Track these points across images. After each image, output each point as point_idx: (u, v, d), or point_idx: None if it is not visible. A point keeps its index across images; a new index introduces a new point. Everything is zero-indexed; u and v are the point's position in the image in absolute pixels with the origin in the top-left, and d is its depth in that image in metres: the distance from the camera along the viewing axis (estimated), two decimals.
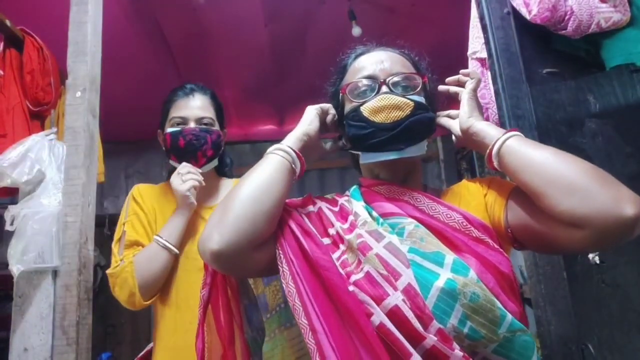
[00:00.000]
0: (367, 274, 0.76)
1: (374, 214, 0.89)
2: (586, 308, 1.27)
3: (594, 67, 1.52)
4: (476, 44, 1.86)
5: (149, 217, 1.46)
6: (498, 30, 1.56)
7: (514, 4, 1.54)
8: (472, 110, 0.92)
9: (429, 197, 0.89)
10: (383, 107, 0.88)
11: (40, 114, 2.06)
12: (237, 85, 3.71)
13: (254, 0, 2.79)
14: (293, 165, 0.89)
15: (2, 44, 1.98)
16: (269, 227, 0.82)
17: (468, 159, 4.47)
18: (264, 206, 0.80)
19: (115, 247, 1.42)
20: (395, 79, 0.92)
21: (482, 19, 1.63)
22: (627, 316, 1.31)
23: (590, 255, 1.36)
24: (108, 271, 1.38)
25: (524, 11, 1.50)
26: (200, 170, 1.44)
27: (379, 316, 0.71)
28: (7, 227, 1.70)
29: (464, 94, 0.95)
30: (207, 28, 2.98)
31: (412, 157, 0.92)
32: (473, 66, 1.91)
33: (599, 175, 0.72)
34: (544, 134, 1.45)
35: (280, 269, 0.82)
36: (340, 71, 1.04)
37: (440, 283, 0.72)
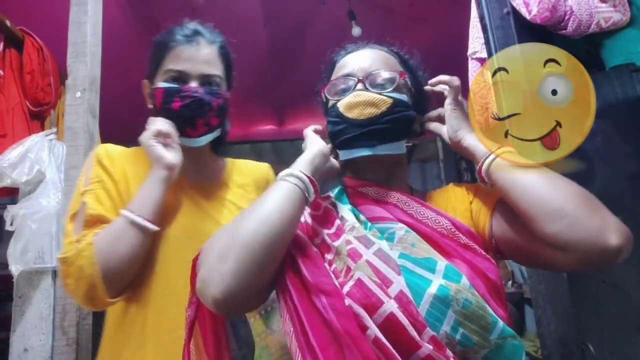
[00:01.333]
0: (359, 281, 0.73)
1: (362, 217, 0.86)
2: (586, 308, 1.27)
3: (594, 67, 1.52)
4: (476, 44, 1.86)
5: (120, 187, 1.08)
6: (498, 30, 1.56)
7: (514, 4, 1.54)
8: (458, 123, 0.90)
9: (417, 202, 0.88)
10: (357, 103, 0.87)
11: (40, 114, 2.06)
12: (236, 85, 3.71)
13: (254, 1, 2.80)
14: (306, 194, 0.81)
15: (2, 44, 1.98)
16: (276, 265, 0.77)
17: (468, 159, 4.48)
18: (272, 246, 0.73)
19: (69, 224, 1.03)
20: (373, 75, 0.91)
21: (482, 19, 1.63)
22: (627, 316, 1.31)
23: None
24: (59, 255, 1.00)
25: (523, 11, 1.50)
26: (197, 140, 1.13)
27: (373, 330, 0.69)
28: (7, 227, 1.71)
29: (445, 109, 0.93)
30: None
31: (389, 155, 0.90)
32: (473, 66, 1.91)
33: (587, 201, 0.72)
34: None
35: (279, 301, 0.78)
36: (328, 69, 1.03)
37: (432, 289, 0.71)
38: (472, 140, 0.87)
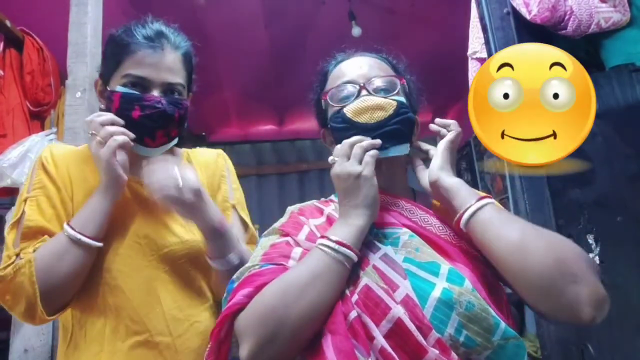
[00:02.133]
0: (366, 288, 0.75)
1: None
2: None
3: (593, 67, 1.52)
4: (476, 44, 1.86)
5: (63, 193, 1.03)
6: (498, 30, 1.56)
7: (514, 4, 1.54)
8: (444, 162, 0.89)
9: (421, 209, 0.89)
10: (366, 108, 0.88)
11: (40, 114, 2.06)
12: (237, 85, 3.71)
13: (254, 1, 2.80)
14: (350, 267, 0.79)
15: (2, 44, 1.98)
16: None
17: (468, 159, 4.47)
18: (318, 324, 0.74)
19: (9, 235, 0.98)
20: (374, 81, 0.93)
21: (482, 19, 1.63)
22: (626, 316, 1.31)
23: (590, 255, 1.36)
24: None
25: (524, 11, 1.51)
26: (154, 150, 1.05)
27: (379, 341, 0.71)
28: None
29: (441, 143, 0.92)
30: (207, 29, 2.98)
31: (393, 158, 0.91)
32: (473, 66, 1.91)
33: (564, 270, 0.71)
34: None
35: None
36: (321, 79, 1.04)
37: (436, 293, 0.73)
38: (454, 183, 0.85)
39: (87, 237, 0.94)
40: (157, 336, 0.99)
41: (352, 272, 0.78)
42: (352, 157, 0.83)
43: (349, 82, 0.94)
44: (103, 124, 0.98)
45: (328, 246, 0.77)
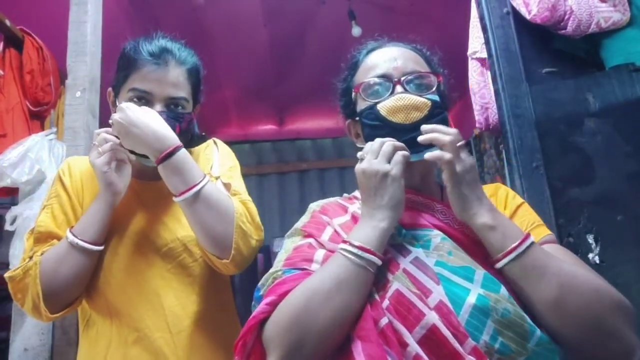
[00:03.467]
0: (398, 293, 0.72)
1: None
2: None
3: (593, 67, 1.52)
4: (476, 43, 1.86)
5: (74, 201, 1.11)
6: (498, 30, 1.56)
7: (514, 4, 1.54)
8: (463, 202, 0.78)
9: (450, 207, 0.83)
10: (401, 107, 0.84)
11: (40, 114, 2.06)
12: (237, 85, 3.71)
13: (254, 0, 2.80)
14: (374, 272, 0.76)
15: (2, 43, 1.98)
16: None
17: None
18: (345, 331, 0.72)
19: (28, 240, 1.08)
20: (410, 78, 0.88)
21: (482, 19, 1.63)
22: None
23: (590, 255, 1.36)
24: (7, 274, 1.04)
25: (523, 11, 1.51)
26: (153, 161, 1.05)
27: (413, 347, 0.68)
28: (7, 227, 1.71)
29: (448, 179, 0.80)
30: (206, 28, 2.98)
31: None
32: (473, 66, 1.91)
33: (599, 329, 0.70)
34: (544, 133, 1.46)
35: None
36: (351, 67, 0.99)
37: (472, 299, 0.70)
38: (485, 225, 0.76)
39: (85, 242, 1.01)
40: (156, 332, 1.03)
41: (381, 276, 0.76)
42: (381, 155, 0.79)
43: (383, 75, 0.90)
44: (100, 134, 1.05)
45: (350, 252, 0.74)
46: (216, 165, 1.20)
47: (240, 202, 1.08)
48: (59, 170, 1.16)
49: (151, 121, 1.01)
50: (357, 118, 0.92)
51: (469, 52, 1.91)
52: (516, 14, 1.54)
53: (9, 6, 2.00)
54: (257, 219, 1.09)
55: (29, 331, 1.47)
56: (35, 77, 2.01)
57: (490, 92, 1.74)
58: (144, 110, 1.03)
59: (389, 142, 0.80)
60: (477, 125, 1.95)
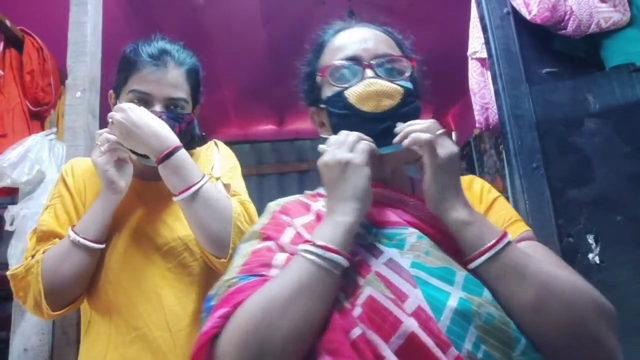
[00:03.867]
0: (370, 299, 0.64)
1: (365, 221, 0.74)
2: None
3: (593, 67, 1.52)
4: (476, 44, 1.86)
5: (76, 200, 1.12)
6: (498, 30, 1.56)
7: (514, 4, 1.54)
8: (440, 192, 0.71)
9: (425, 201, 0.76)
10: (372, 94, 0.76)
11: (40, 114, 2.06)
12: (236, 85, 3.71)
13: (253, 0, 2.80)
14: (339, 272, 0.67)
15: (2, 44, 1.98)
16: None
17: (468, 159, 4.47)
18: (307, 346, 0.63)
19: (31, 239, 1.09)
20: (382, 61, 0.80)
21: (482, 19, 1.63)
22: (626, 316, 1.31)
23: (590, 255, 1.36)
24: (9, 272, 1.06)
25: (524, 11, 1.51)
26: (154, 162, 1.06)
27: (390, 358, 0.60)
28: (7, 227, 1.71)
29: (426, 169, 0.73)
30: (206, 28, 2.98)
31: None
32: (473, 66, 1.91)
33: (581, 334, 0.65)
34: (544, 134, 1.46)
35: None
36: (317, 49, 0.92)
37: (453, 303, 0.63)
38: (461, 216, 0.70)
39: (86, 240, 1.02)
40: (155, 331, 1.03)
41: (350, 281, 0.68)
42: (344, 145, 0.72)
43: (352, 58, 0.82)
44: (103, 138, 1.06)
45: (312, 252, 0.65)
46: (217, 166, 1.21)
47: (239, 202, 1.09)
48: (62, 171, 1.18)
49: (152, 122, 1.02)
50: (323, 105, 0.84)
51: (469, 52, 1.91)
52: (516, 14, 1.54)
53: (9, 6, 2.00)
54: (256, 219, 1.09)
55: (29, 331, 1.47)
56: (35, 77, 2.01)
57: (490, 92, 1.74)
58: (145, 111, 1.04)
59: (355, 133, 0.74)
60: (477, 125, 1.95)
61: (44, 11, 2.26)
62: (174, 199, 1.01)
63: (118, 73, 1.16)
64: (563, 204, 1.40)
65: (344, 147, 0.72)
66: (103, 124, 1.70)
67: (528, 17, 1.49)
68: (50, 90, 2.07)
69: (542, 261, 0.70)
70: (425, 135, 0.71)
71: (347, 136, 0.73)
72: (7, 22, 1.93)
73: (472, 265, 0.68)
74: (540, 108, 1.48)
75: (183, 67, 1.13)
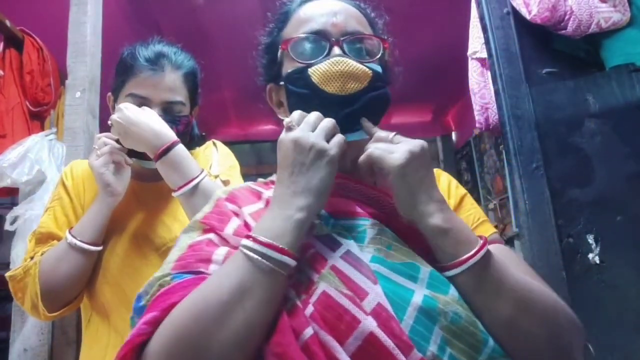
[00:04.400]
0: (325, 296, 0.58)
1: (322, 211, 0.68)
2: (586, 308, 1.27)
3: (593, 67, 1.52)
4: (476, 44, 1.86)
5: (75, 202, 1.14)
6: (498, 30, 1.56)
7: (514, 4, 1.54)
8: (409, 197, 0.64)
9: (390, 196, 0.69)
10: (337, 74, 0.69)
11: (40, 114, 2.06)
12: (236, 85, 3.71)
13: (253, 0, 2.80)
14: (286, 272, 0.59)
15: (2, 44, 1.98)
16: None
17: (468, 158, 4.47)
18: (247, 352, 0.56)
19: (30, 241, 1.12)
20: (351, 39, 0.73)
21: (482, 19, 1.63)
22: (626, 316, 1.31)
23: (590, 255, 1.36)
24: (8, 274, 1.07)
25: (524, 11, 1.51)
26: (155, 163, 1.05)
27: None
28: (7, 227, 1.71)
29: (389, 173, 0.64)
30: (206, 28, 2.98)
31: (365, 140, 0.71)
32: (473, 66, 1.91)
33: (556, 346, 0.63)
34: (544, 134, 1.46)
35: None
36: (280, 19, 0.83)
37: (417, 301, 0.58)
38: (437, 224, 0.63)
39: (83, 242, 1.03)
40: None
41: (303, 276, 0.61)
42: (321, 129, 0.64)
43: (318, 32, 0.74)
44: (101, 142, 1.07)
45: (255, 250, 0.57)
46: (215, 165, 1.21)
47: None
48: (62, 174, 1.19)
49: (149, 120, 1.03)
50: (282, 83, 0.76)
51: (469, 52, 1.91)
52: (516, 14, 1.54)
53: (9, 6, 2.00)
54: None
55: (29, 331, 1.47)
56: (35, 77, 2.01)
57: (490, 92, 1.74)
58: (142, 109, 1.05)
59: (329, 119, 0.66)
60: (477, 125, 1.95)
61: (44, 11, 2.26)
62: (174, 194, 1.02)
63: (116, 76, 1.16)
64: (563, 204, 1.40)
65: (321, 132, 0.64)
66: (103, 124, 1.70)
67: (528, 17, 1.49)
68: (50, 90, 2.07)
69: (516, 273, 0.65)
70: (375, 152, 0.65)
71: (323, 120, 0.66)
72: (7, 22, 1.93)
73: (448, 274, 0.62)
74: (540, 108, 1.48)
75: (180, 70, 1.14)
